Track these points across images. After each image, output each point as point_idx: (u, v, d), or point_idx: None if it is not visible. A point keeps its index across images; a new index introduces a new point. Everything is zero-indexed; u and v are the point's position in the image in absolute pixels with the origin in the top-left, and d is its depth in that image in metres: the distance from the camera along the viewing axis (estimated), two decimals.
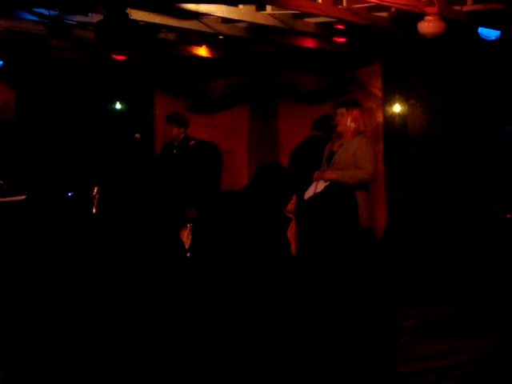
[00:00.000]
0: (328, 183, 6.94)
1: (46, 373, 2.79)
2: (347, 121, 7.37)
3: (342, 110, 7.41)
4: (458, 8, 7.22)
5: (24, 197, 8.10)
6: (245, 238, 3.07)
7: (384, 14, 7.60)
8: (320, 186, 7.03)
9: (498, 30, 7.66)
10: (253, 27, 7.90)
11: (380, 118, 9.38)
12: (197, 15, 7.28)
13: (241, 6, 7.02)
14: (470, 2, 7.27)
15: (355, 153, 7.33)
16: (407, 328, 5.34)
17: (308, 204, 7.47)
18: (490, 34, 7.68)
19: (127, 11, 6.08)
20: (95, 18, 6.99)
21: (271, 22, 7.39)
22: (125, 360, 2.75)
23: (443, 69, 9.08)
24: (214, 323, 2.85)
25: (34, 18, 7.25)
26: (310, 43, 8.72)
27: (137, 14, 6.74)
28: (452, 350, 4.97)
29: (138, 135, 10.25)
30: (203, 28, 7.64)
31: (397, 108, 9.43)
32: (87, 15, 7.30)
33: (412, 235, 8.67)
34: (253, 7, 7.15)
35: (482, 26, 7.59)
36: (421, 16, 6.77)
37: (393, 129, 9.43)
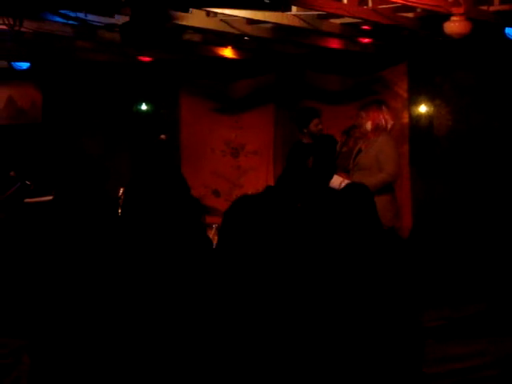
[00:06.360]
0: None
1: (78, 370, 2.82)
2: (366, 121, 7.56)
3: (362, 113, 7.62)
4: (484, 8, 7.18)
5: (51, 197, 8.16)
6: (268, 236, 3.07)
7: (410, 15, 7.57)
8: (344, 184, 7.10)
9: None
10: (278, 28, 7.90)
11: (406, 118, 9.36)
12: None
13: None
14: (496, 1, 7.21)
15: (377, 154, 7.48)
16: (431, 329, 5.31)
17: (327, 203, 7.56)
18: None
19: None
20: (121, 19, 7.02)
21: (296, 22, 7.38)
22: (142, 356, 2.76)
23: (469, 69, 9.03)
24: (238, 319, 2.86)
25: (61, 19, 7.29)
26: (335, 44, 8.71)
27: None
28: (475, 351, 4.95)
29: (163, 136, 10.30)
30: (228, 29, 7.66)
31: (422, 109, 9.40)
32: (113, 17, 7.34)
33: (437, 235, 8.64)
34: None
35: (508, 26, 7.54)
36: (447, 16, 6.73)
37: (419, 129, 9.40)
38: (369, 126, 7.62)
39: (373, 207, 4.42)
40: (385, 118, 7.72)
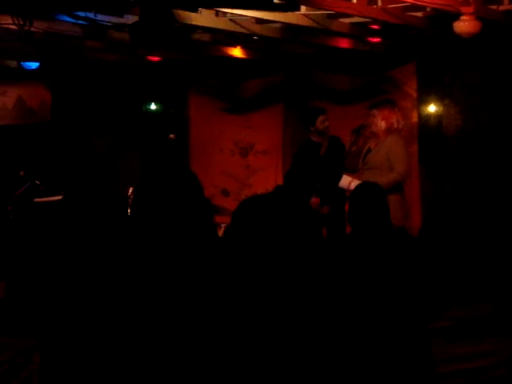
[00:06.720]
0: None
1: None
2: (378, 121, 7.54)
3: (374, 111, 7.61)
4: (494, 7, 7.16)
5: (60, 197, 8.18)
6: (277, 237, 3.08)
7: (419, 14, 7.56)
8: (354, 184, 7.08)
9: None
10: (287, 27, 7.91)
11: (415, 118, 9.35)
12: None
13: None
14: (506, 1, 7.20)
15: (387, 154, 7.48)
16: (441, 329, 5.32)
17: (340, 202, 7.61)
18: None
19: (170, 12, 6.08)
20: (130, 19, 7.04)
21: (305, 22, 7.38)
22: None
23: (478, 69, 9.01)
24: (246, 319, 2.87)
25: (70, 19, 7.31)
26: (344, 43, 8.71)
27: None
28: (484, 351, 4.95)
29: (172, 136, 10.32)
30: (237, 29, 7.66)
31: (432, 108, 9.38)
32: (122, 17, 7.36)
33: (446, 235, 8.62)
34: None
35: None
36: (456, 16, 6.72)
37: (428, 129, 9.39)
38: (382, 125, 7.60)
39: (385, 206, 4.43)
40: (397, 119, 7.73)
